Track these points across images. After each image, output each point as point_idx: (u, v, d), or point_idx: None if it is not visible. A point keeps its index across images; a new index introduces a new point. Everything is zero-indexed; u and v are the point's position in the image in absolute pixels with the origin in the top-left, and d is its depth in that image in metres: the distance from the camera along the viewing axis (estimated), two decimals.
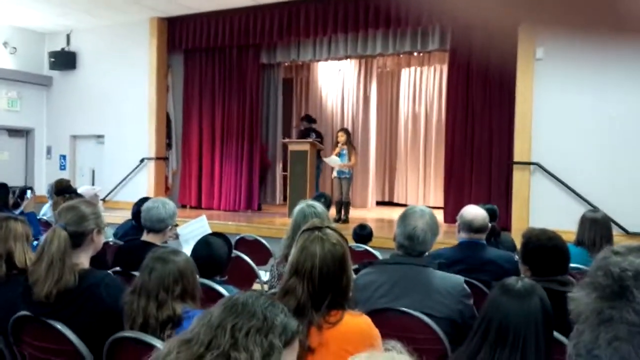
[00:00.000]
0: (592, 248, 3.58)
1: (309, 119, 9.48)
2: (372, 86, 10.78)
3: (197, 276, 2.28)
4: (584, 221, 3.76)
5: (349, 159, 8.04)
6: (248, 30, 8.50)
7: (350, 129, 10.09)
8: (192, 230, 4.03)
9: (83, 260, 2.38)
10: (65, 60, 9.81)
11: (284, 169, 9.67)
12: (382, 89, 11.10)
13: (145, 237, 3.31)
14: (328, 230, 1.93)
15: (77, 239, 2.33)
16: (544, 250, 2.44)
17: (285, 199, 9.23)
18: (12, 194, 5.68)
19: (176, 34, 9.15)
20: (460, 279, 2.47)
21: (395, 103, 11.14)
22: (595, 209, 4.83)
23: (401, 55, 9.97)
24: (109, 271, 2.71)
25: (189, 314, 2.08)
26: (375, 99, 10.77)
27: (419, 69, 10.80)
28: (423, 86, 10.79)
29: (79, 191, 5.53)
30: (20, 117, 9.93)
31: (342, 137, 8.15)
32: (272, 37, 8.43)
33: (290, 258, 1.93)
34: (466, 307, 2.40)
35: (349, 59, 9.96)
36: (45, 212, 5.86)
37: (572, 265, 2.72)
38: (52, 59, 9.87)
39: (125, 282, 2.36)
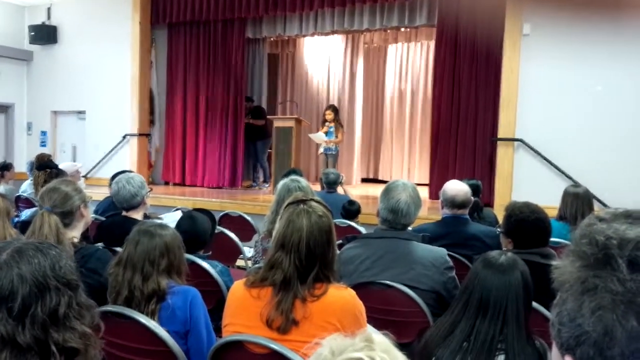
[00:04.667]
0: (573, 222, 3.63)
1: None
2: (358, 62, 10.71)
3: (184, 252, 2.27)
4: (566, 196, 3.80)
5: (336, 136, 8.08)
6: (233, 4, 8.36)
7: (336, 105, 10.05)
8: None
9: (75, 236, 2.44)
10: (45, 34, 9.57)
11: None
12: (368, 65, 11.04)
13: (126, 213, 3.28)
14: (313, 203, 1.92)
15: (67, 218, 2.39)
16: (527, 223, 2.46)
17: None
18: None
19: (160, 7, 8.96)
20: (442, 251, 2.49)
21: (382, 79, 11.10)
22: (576, 184, 4.88)
23: (388, 31, 9.91)
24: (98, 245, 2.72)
25: (174, 289, 2.08)
26: (361, 75, 10.71)
27: (406, 44, 10.75)
28: (410, 62, 10.75)
29: (60, 167, 5.46)
30: None
31: (329, 115, 8.15)
32: (258, 11, 8.29)
33: (275, 232, 1.92)
34: (449, 279, 2.43)
35: (335, 34, 9.86)
36: (25, 189, 5.78)
37: (553, 239, 2.74)
38: (32, 33, 9.63)
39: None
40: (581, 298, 0.70)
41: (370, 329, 1.02)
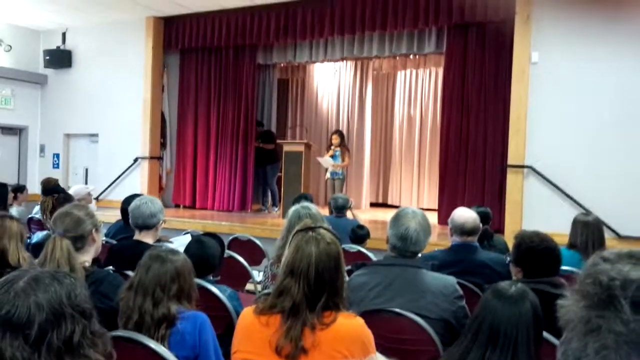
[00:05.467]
0: (584, 251, 3.60)
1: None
2: (367, 88, 10.80)
3: (194, 278, 2.29)
4: (576, 224, 3.78)
5: (342, 160, 8.14)
6: (244, 31, 8.50)
7: (345, 130, 10.13)
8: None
9: (87, 260, 2.46)
10: (60, 58, 9.77)
11: None
12: (377, 91, 11.13)
13: (138, 236, 3.29)
14: (322, 230, 1.94)
15: (79, 242, 2.41)
16: (536, 252, 2.46)
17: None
18: None
19: (172, 34, 9.13)
20: (452, 279, 2.48)
21: (391, 105, 11.17)
22: (587, 212, 4.85)
23: (397, 58, 10.00)
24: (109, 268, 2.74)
25: (183, 314, 2.08)
26: (370, 101, 10.79)
27: (414, 71, 10.84)
28: (419, 89, 10.83)
29: (71, 191, 5.50)
30: (13, 115, 9.87)
31: (336, 140, 8.23)
32: (269, 38, 8.43)
33: (284, 259, 1.93)
34: (459, 309, 2.41)
35: (345, 61, 9.98)
36: (38, 210, 5.82)
37: (564, 268, 2.73)
38: (47, 57, 9.83)
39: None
40: (585, 338, 0.70)
41: (380, 358, 1.03)
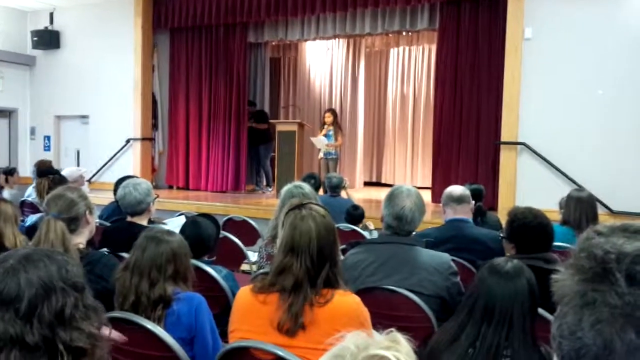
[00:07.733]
0: (577, 227, 3.62)
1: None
2: (360, 66, 10.74)
3: (190, 259, 2.29)
4: (570, 200, 3.79)
5: (336, 139, 8.12)
6: (235, 9, 8.39)
7: (338, 109, 10.08)
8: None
9: (81, 242, 2.46)
10: (48, 39, 9.61)
11: None
12: (370, 69, 11.07)
13: (131, 218, 3.30)
14: (313, 206, 1.96)
15: (72, 224, 2.41)
16: (529, 228, 2.47)
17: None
18: None
19: (162, 12, 9.00)
20: (446, 256, 2.50)
21: (384, 83, 11.13)
22: (580, 188, 4.87)
23: (390, 35, 9.93)
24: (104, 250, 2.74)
25: (179, 296, 2.09)
26: (363, 78, 10.73)
27: (407, 48, 10.77)
28: (412, 66, 10.78)
29: (63, 172, 5.46)
30: (2, 97, 9.74)
31: (329, 118, 8.20)
32: (260, 16, 8.32)
33: (281, 238, 1.94)
34: (453, 285, 2.44)
35: (337, 39, 9.89)
36: (30, 193, 5.79)
37: (557, 244, 2.75)
38: (35, 38, 9.67)
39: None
40: (581, 312, 0.71)
41: (376, 335, 1.03)
